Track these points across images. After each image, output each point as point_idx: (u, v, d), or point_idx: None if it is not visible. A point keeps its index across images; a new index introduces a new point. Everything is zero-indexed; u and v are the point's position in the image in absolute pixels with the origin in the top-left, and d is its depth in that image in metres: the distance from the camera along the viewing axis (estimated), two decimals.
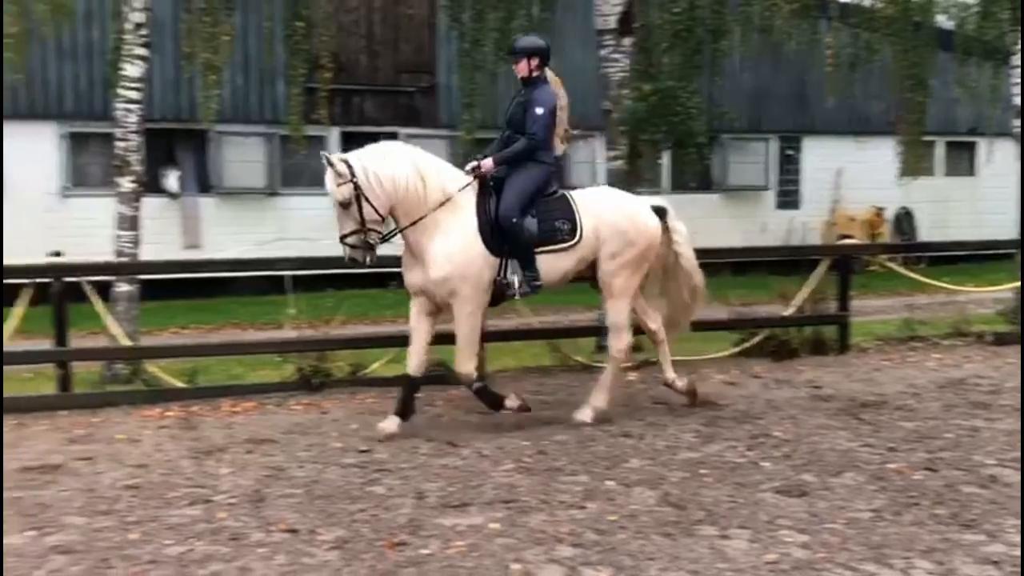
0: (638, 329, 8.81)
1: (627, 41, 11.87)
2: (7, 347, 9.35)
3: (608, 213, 8.13)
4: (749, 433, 7.82)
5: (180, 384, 9.57)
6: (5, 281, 9.13)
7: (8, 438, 8.01)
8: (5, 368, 9.99)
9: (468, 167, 8.01)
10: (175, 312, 15.40)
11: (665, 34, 12.05)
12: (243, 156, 18.90)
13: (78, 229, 16.03)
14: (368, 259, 7.78)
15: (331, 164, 7.60)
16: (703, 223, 20.76)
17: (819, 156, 23.11)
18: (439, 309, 8.04)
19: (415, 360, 8.08)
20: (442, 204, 7.76)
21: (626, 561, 5.29)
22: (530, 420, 8.29)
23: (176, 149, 18.68)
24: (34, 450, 7.62)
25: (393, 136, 19.81)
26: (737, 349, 11.00)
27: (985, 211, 23.07)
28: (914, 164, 16.99)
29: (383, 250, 7.91)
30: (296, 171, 18.83)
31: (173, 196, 18.54)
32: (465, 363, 7.99)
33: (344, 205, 7.62)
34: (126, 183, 10.58)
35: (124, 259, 10.50)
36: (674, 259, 8.53)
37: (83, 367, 9.97)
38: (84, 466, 7.16)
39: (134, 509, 6.22)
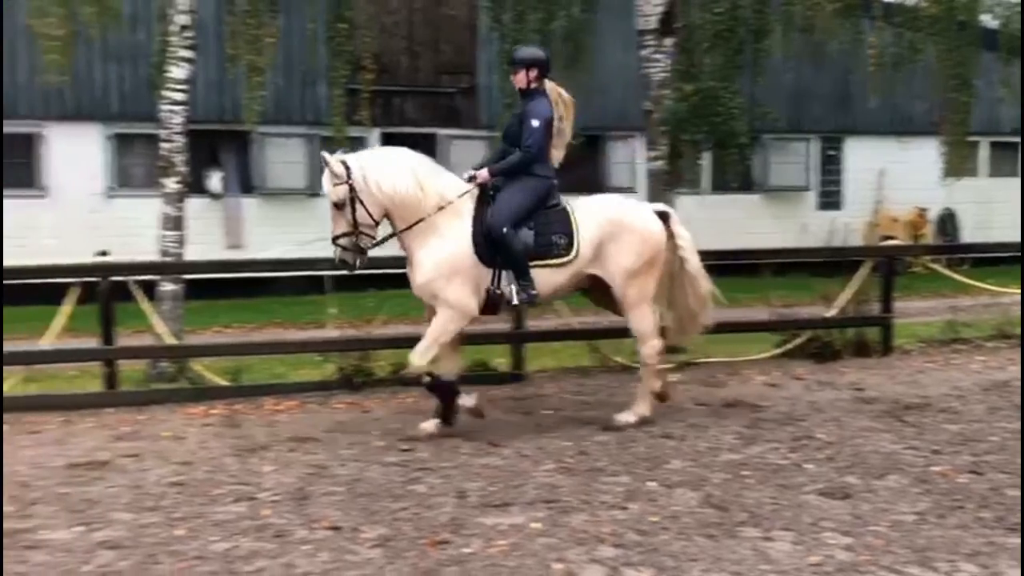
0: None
1: (668, 41, 11.86)
2: (56, 345, 9.50)
3: (610, 226, 7.98)
4: (791, 435, 7.79)
5: (224, 382, 9.67)
6: (54, 280, 9.28)
7: (55, 435, 8.16)
8: (52, 366, 10.22)
9: (466, 176, 7.93)
10: (217, 311, 15.54)
11: (706, 34, 12.00)
12: (285, 157, 19.06)
13: (122, 229, 16.24)
14: (358, 262, 7.74)
15: (328, 164, 7.59)
16: (744, 224, 20.92)
17: (861, 156, 22.93)
18: None
19: (447, 363, 8.09)
20: (440, 210, 7.71)
21: (668, 562, 5.29)
22: (570, 421, 8.31)
23: (219, 150, 18.86)
24: (81, 447, 7.73)
25: (433, 137, 19.98)
26: (779, 350, 10.94)
27: None
28: (958, 165, 16.81)
29: None
30: None
31: (216, 197, 18.73)
32: (421, 356, 7.76)
33: (338, 206, 7.61)
34: (171, 184, 10.70)
35: (169, 259, 10.62)
36: (679, 265, 8.37)
37: (128, 365, 10.09)
38: (130, 463, 7.26)
39: (180, 506, 6.29)
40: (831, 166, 23.12)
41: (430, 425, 7.91)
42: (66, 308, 9.39)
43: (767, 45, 12.58)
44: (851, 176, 23.06)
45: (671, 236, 8.30)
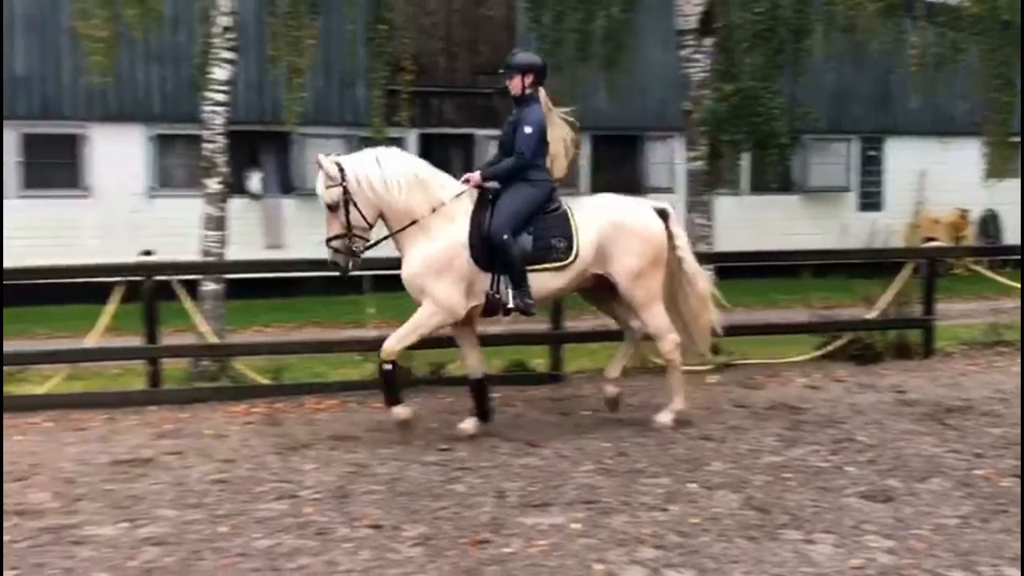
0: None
1: (708, 41, 11.81)
2: (101, 343, 9.61)
3: (610, 228, 7.92)
4: (832, 437, 7.75)
5: (265, 381, 9.75)
6: (98, 280, 9.39)
7: (99, 432, 8.26)
8: (96, 364, 10.34)
9: (461, 181, 7.89)
10: (257, 311, 15.65)
11: (746, 34, 11.92)
12: None
13: (163, 229, 16.41)
14: (351, 265, 7.73)
15: (322, 166, 7.58)
16: (783, 225, 20.82)
17: (902, 157, 22.72)
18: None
19: (470, 361, 8.13)
20: (434, 211, 7.68)
21: (709, 564, 5.28)
22: (609, 422, 8.32)
23: (259, 151, 19.00)
24: (125, 444, 7.83)
25: (470, 138, 20.04)
26: (819, 352, 10.87)
27: None
28: (1000, 165, 16.58)
29: None
30: None
31: (255, 197, 18.87)
32: (397, 341, 7.73)
33: (332, 208, 7.60)
34: (213, 184, 10.80)
35: (212, 258, 10.72)
36: (677, 265, 8.27)
37: (171, 364, 10.19)
38: (174, 460, 7.34)
39: (223, 503, 6.36)
40: (872, 167, 22.95)
41: (469, 425, 7.94)
42: (110, 307, 9.49)
43: (808, 45, 12.47)
44: (892, 177, 22.87)
45: (669, 236, 8.21)
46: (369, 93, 13.59)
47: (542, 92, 8.00)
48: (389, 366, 7.76)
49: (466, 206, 7.81)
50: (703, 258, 11.51)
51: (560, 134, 8.02)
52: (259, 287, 16.07)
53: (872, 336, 11.02)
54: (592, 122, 20.04)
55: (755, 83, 11.64)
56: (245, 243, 16.02)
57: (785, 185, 21.25)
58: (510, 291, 7.74)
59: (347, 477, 6.87)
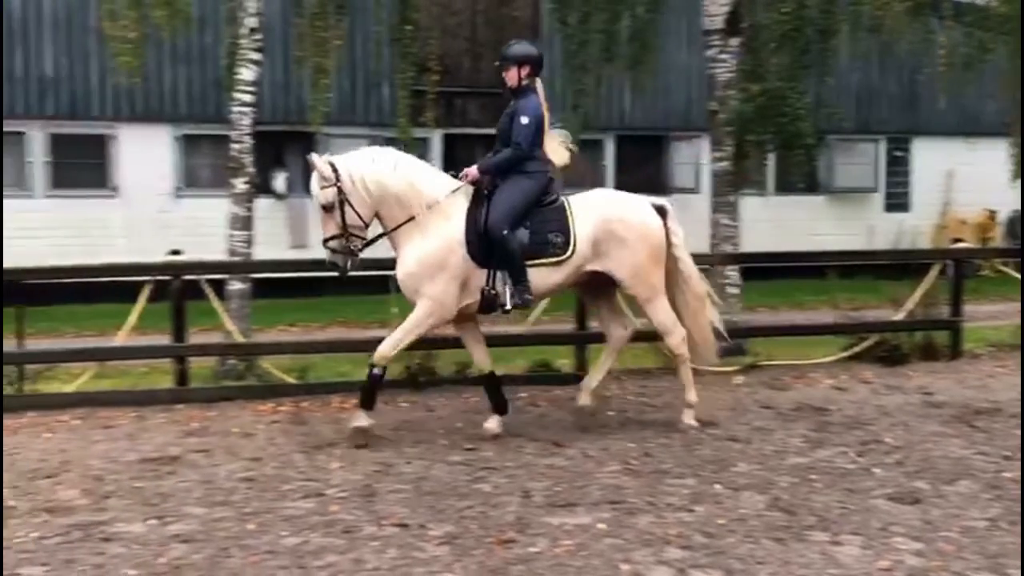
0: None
1: (734, 41, 11.80)
2: (127, 342, 9.68)
3: (608, 224, 7.84)
4: (859, 439, 7.71)
5: (291, 380, 9.78)
6: (127, 279, 9.45)
7: (128, 430, 8.32)
8: (123, 363, 10.42)
9: (460, 176, 7.85)
10: (282, 310, 15.71)
11: (773, 34, 11.89)
12: None
13: (190, 228, 16.49)
14: (349, 264, 7.71)
15: (315, 166, 7.55)
16: (809, 225, 20.73)
17: (929, 157, 22.59)
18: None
19: (476, 357, 8.16)
20: (428, 208, 7.65)
21: (735, 565, 5.27)
22: (634, 422, 8.33)
23: (284, 151, 19.07)
24: (153, 442, 7.88)
25: (494, 138, 20.05)
26: (846, 354, 10.82)
27: None
28: None
29: None
30: None
31: (281, 197, 18.94)
32: (391, 347, 7.76)
33: (327, 208, 7.57)
34: (240, 184, 10.85)
35: (238, 258, 10.77)
36: (673, 263, 8.14)
37: (197, 362, 10.24)
38: (201, 458, 7.38)
39: (250, 501, 6.39)
40: (898, 167, 22.83)
41: (494, 424, 7.94)
42: (138, 306, 9.55)
43: (834, 45, 12.42)
44: (919, 177, 22.74)
45: (666, 233, 8.09)
46: (395, 93, 13.63)
47: (539, 83, 7.95)
48: (379, 371, 7.77)
49: (461, 203, 7.76)
50: (728, 258, 11.57)
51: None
52: (284, 287, 16.15)
53: (899, 337, 10.96)
54: (617, 122, 20.29)
55: (781, 83, 11.61)
56: (271, 243, 16.11)
57: (811, 186, 21.18)
58: (508, 287, 7.69)
59: (373, 476, 6.89)
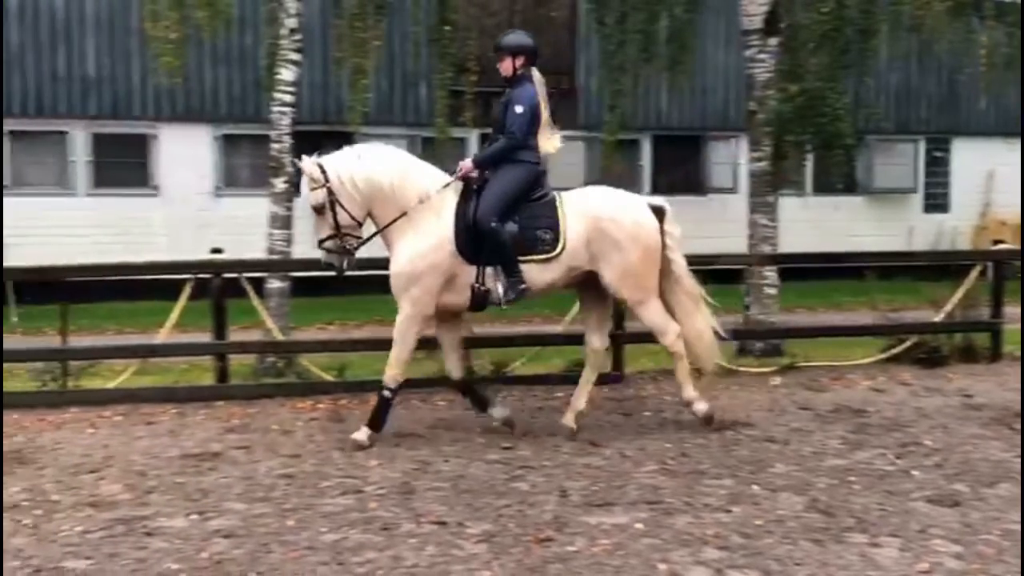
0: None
1: (773, 41, 11.76)
2: (169, 339, 9.78)
3: (599, 222, 7.72)
4: (898, 441, 7.68)
5: (330, 378, 9.85)
6: (168, 276, 9.56)
7: (169, 426, 8.41)
8: (165, 359, 10.53)
9: (456, 169, 7.82)
10: (319, 308, 15.80)
11: (812, 34, 11.83)
12: None
13: (229, 227, 16.62)
14: (345, 264, 7.71)
15: (304, 169, 7.53)
16: (847, 226, 20.59)
17: (969, 158, 22.35)
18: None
19: (449, 362, 8.16)
20: (420, 202, 7.59)
21: (773, 566, 5.27)
22: (670, 422, 8.33)
23: (322, 151, 19.13)
24: (194, 438, 7.97)
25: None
26: (884, 355, 10.75)
27: None
28: None
29: None
30: None
31: None
32: (395, 369, 7.77)
33: (318, 210, 7.55)
34: (279, 183, 10.93)
35: (277, 256, 10.86)
36: (666, 265, 7.98)
37: (236, 360, 10.32)
38: (242, 455, 7.46)
39: (290, 497, 6.46)
40: (938, 168, 22.61)
41: (501, 412, 7.95)
42: (180, 304, 9.65)
43: (874, 45, 12.35)
44: (958, 178, 22.50)
45: (663, 234, 7.94)
46: (432, 93, 13.70)
47: (536, 72, 7.89)
48: (389, 393, 7.78)
49: (452, 199, 7.71)
50: (766, 259, 11.53)
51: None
52: (321, 285, 16.24)
53: (938, 339, 10.88)
54: (653, 122, 20.24)
55: (820, 83, 11.55)
56: (304, 242, 16.22)
57: (850, 186, 21.03)
58: (500, 282, 7.63)
59: (411, 473, 6.94)
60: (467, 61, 13.01)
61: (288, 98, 11.04)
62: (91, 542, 5.70)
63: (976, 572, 5.18)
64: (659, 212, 7.99)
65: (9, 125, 17.50)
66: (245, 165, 18.64)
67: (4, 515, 6.10)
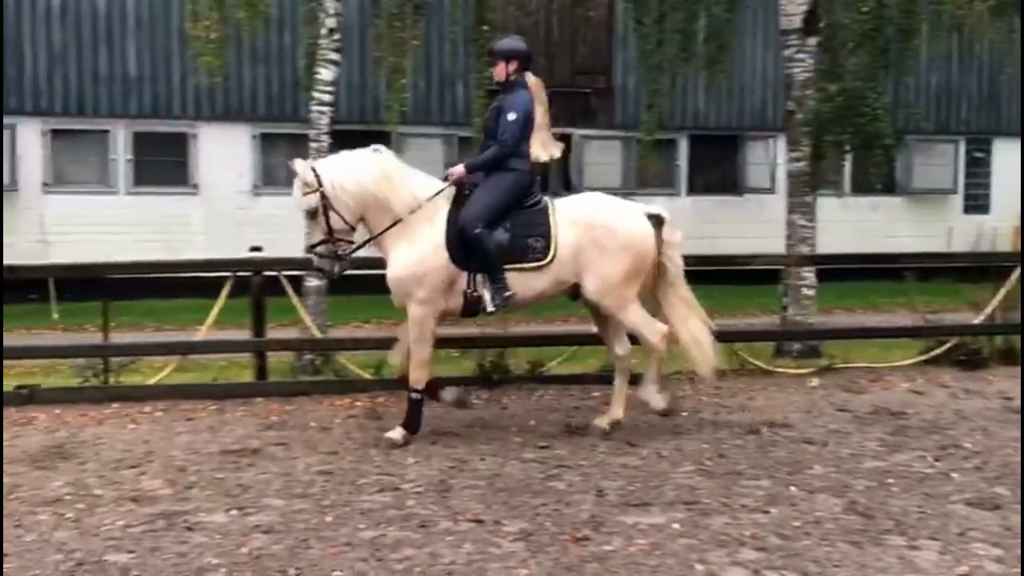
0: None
1: (812, 41, 11.72)
2: (209, 336, 9.87)
3: (591, 230, 7.62)
4: (937, 443, 7.63)
5: (367, 376, 9.91)
6: (209, 274, 9.66)
7: (209, 422, 8.48)
8: (204, 356, 10.63)
9: (446, 176, 7.79)
10: (355, 307, 15.87)
11: (852, 33, 11.76)
12: (423, 157, 19.29)
13: (267, 225, 16.74)
14: (337, 269, 7.71)
15: (298, 173, 7.50)
16: (886, 227, 20.44)
17: (1010, 158, 22.07)
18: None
19: (396, 357, 8.14)
20: (413, 211, 7.56)
21: (811, 567, 5.25)
22: (707, 423, 8.31)
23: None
24: (233, 434, 8.03)
25: (568, 137, 20.06)
26: (923, 357, 10.68)
27: None
28: None
29: None
30: None
31: None
32: (418, 372, 7.69)
33: (311, 215, 7.53)
34: None
35: None
36: (662, 268, 7.87)
37: (275, 357, 10.40)
38: (280, 451, 7.52)
39: (328, 494, 6.50)
40: (978, 168, 22.39)
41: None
42: (221, 300, 9.73)
43: (915, 44, 12.26)
44: (999, 179, 22.26)
45: (660, 243, 7.81)
46: (469, 93, 13.74)
47: (530, 77, 7.81)
48: (417, 395, 7.77)
49: (444, 206, 7.67)
50: (805, 260, 11.48)
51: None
52: (357, 283, 16.31)
53: (978, 341, 10.79)
54: (690, 122, 20.20)
55: (860, 83, 11.48)
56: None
57: (889, 187, 20.89)
58: (487, 290, 7.59)
59: (448, 471, 6.97)
60: None
61: (327, 97, 11.12)
62: (133, 536, 5.76)
63: (1016, 575, 5.15)
64: (658, 220, 7.88)
65: (51, 124, 17.78)
66: (283, 164, 18.66)
67: (47, 509, 6.20)
